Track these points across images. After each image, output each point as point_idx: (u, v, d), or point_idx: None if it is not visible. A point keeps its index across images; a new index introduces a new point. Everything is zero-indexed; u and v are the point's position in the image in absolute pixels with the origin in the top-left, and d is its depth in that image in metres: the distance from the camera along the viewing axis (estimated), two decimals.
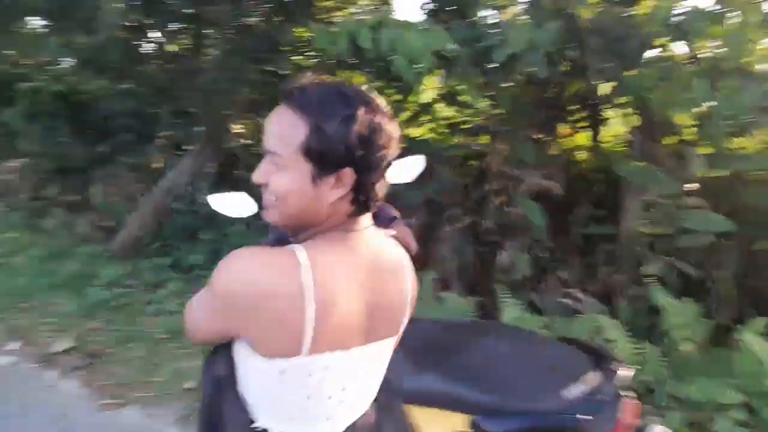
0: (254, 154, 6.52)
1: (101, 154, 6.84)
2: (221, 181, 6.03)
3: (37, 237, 5.64)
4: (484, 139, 4.64)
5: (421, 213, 4.23)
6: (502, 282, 3.81)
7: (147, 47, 5.89)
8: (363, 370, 1.04)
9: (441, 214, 4.27)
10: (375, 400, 1.14)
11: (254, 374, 0.99)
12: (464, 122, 5.22)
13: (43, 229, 6.02)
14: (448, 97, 4.91)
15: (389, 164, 1.03)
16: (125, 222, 5.67)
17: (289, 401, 0.99)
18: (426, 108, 5.17)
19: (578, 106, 4.20)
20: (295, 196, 0.97)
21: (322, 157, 0.94)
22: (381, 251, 1.05)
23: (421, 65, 2.35)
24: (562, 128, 4.45)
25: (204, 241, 5.19)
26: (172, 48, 6.01)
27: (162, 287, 4.47)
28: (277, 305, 0.91)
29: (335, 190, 0.97)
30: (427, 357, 1.73)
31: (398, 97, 5.53)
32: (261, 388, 1.00)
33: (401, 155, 2.05)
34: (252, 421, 1.02)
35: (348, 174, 0.96)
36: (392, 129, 1.01)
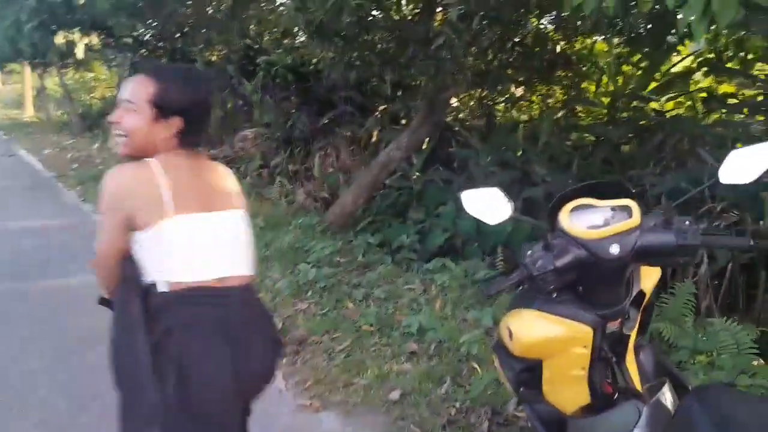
0: (469, 130, 6.11)
1: (323, 126, 7.03)
2: (433, 158, 5.75)
3: (261, 205, 5.91)
4: (761, 116, 3.67)
5: (663, 205, 3.46)
6: None
7: (375, 14, 5.72)
8: (224, 229, 1.49)
9: (693, 209, 3.46)
10: None
11: (148, 247, 1.41)
12: (730, 95, 4.24)
13: (267, 197, 6.32)
14: (713, 65, 3.99)
15: (209, 120, 1.58)
16: (340, 194, 5.70)
17: (178, 254, 1.40)
18: (682, 77, 4.28)
19: None
20: (140, 132, 1.44)
21: (161, 107, 1.44)
22: (201, 158, 1.55)
23: (711, 23, 1.69)
24: None
25: (413, 221, 4.95)
26: (400, 14, 5.80)
27: (371, 269, 4.27)
28: (140, 187, 1.39)
29: (166, 131, 1.45)
30: None
31: (644, 64, 4.70)
32: (156, 254, 1.41)
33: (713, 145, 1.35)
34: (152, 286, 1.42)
35: (177, 122, 1.46)
36: (213, 103, 1.63)
